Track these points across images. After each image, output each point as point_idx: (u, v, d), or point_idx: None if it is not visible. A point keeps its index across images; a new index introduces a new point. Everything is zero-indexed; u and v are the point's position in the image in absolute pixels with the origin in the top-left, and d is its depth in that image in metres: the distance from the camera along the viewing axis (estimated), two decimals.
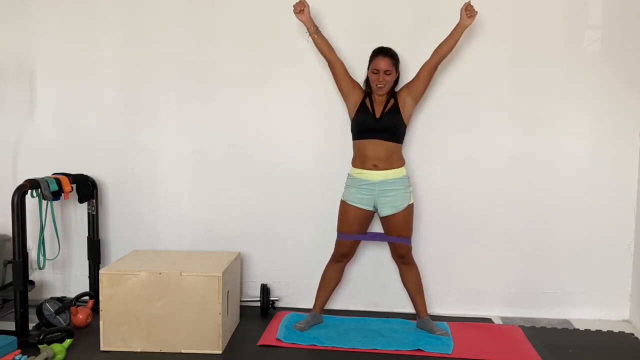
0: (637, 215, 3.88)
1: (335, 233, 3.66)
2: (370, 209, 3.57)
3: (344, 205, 3.62)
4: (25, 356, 3.06)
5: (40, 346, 3.15)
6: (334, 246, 3.67)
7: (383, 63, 3.47)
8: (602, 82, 3.84)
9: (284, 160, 4.00)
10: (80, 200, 3.94)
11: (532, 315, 3.97)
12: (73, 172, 3.91)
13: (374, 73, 3.50)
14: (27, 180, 3.46)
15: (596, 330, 3.76)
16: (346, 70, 3.62)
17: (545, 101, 3.87)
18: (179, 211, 4.10)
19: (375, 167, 3.51)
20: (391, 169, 3.53)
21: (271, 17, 3.93)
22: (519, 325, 3.79)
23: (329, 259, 3.70)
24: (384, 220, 3.60)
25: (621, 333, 3.73)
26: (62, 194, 3.70)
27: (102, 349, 3.29)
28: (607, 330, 3.76)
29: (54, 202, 3.75)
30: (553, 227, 3.94)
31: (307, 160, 3.97)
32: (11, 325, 3.37)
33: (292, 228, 4.04)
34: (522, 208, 3.94)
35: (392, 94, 3.59)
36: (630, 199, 3.89)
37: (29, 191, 3.44)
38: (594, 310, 3.95)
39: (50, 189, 3.55)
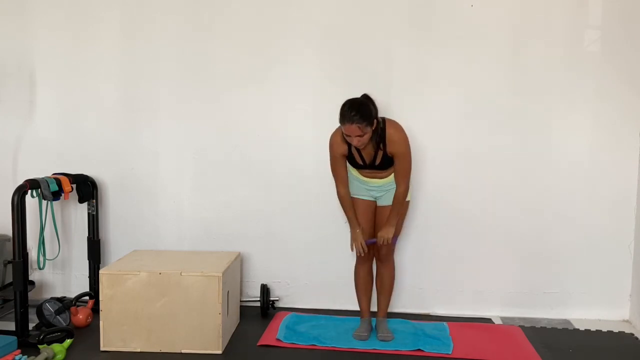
0: (637, 215, 3.88)
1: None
2: (373, 200, 3.54)
3: (353, 200, 3.54)
4: (25, 356, 3.06)
5: (40, 346, 3.14)
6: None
7: (352, 130, 3.21)
8: (602, 82, 3.83)
9: (284, 160, 4.00)
10: (80, 200, 3.94)
11: (532, 315, 3.97)
12: (73, 172, 3.91)
13: (347, 136, 3.29)
14: (27, 180, 3.46)
15: (596, 330, 3.76)
16: (344, 162, 3.45)
17: (545, 101, 3.87)
18: (179, 211, 4.10)
19: (374, 177, 3.48)
20: (389, 177, 3.48)
21: (271, 16, 3.93)
22: (519, 325, 3.79)
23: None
24: (380, 210, 3.53)
25: (621, 333, 3.73)
26: (62, 194, 3.70)
27: (102, 349, 3.29)
28: (607, 330, 3.76)
29: (54, 202, 3.75)
30: (553, 227, 3.94)
31: (307, 160, 3.96)
32: (11, 325, 3.37)
33: (292, 228, 4.04)
34: (522, 208, 3.93)
35: (381, 138, 3.34)
36: (630, 199, 3.89)
37: (29, 191, 3.44)
38: (594, 310, 3.95)
39: (50, 189, 3.56)
